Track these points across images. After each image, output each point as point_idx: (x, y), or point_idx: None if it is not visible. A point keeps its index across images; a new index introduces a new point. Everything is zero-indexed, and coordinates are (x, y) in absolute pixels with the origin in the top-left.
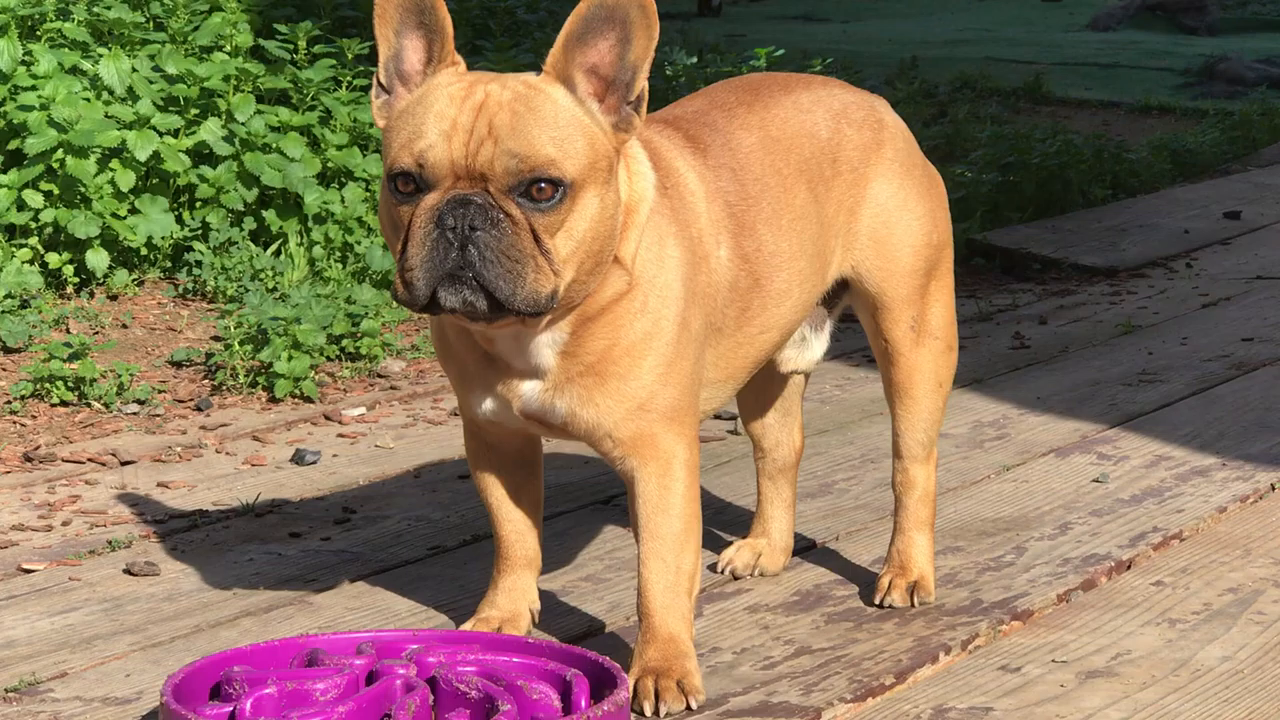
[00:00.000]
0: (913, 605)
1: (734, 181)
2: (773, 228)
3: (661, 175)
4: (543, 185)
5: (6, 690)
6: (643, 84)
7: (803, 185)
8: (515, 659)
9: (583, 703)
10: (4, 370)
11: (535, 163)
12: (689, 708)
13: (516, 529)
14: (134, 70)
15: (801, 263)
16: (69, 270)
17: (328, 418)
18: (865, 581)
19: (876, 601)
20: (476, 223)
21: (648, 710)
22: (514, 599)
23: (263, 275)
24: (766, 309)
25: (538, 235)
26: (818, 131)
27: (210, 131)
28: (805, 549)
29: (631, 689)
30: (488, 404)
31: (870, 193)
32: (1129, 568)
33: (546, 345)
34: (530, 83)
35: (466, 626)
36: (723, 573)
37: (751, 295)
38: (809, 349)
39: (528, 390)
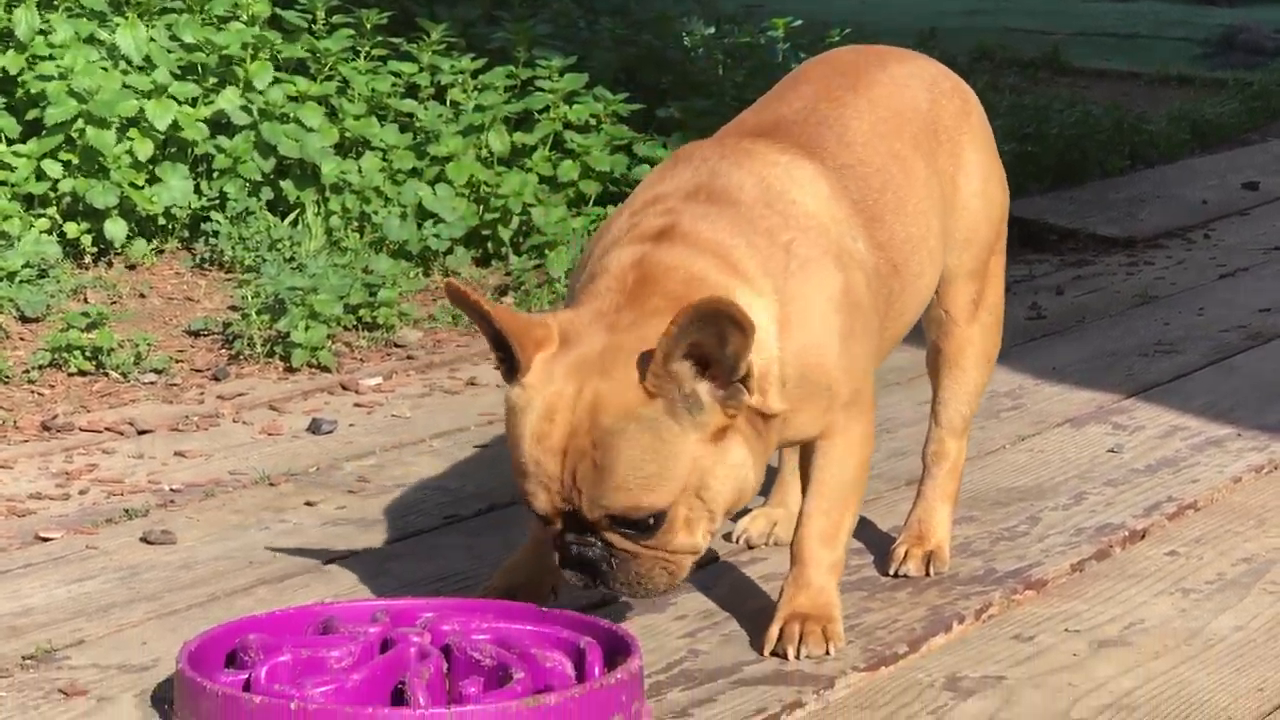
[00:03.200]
0: (928, 574)
1: (855, 178)
2: (900, 215)
3: (775, 219)
4: (633, 523)
5: (24, 657)
6: (745, 368)
7: (920, 163)
8: (529, 627)
9: (596, 670)
10: (22, 340)
11: (618, 510)
12: (827, 652)
13: None
14: (151, 39)
15: (931, 242)
16: (87, 240)
17: (344, 387)
18: (879, 551)
19: (891, 571)
20: (599, 565)
21: (790, 654)
22: (537, 569)
23: (280, 245)
24: (905, 292)
25: (655, 547)
26: (919, 105)
27: (228, 100)
28: None
29: (777, 633)
30: None
31: (963, 161)
32: (1143, 537)
33: None
34: (610, 407)
35: (488, 584)
36: (737, 542)
37: (893, 280)
38: None
39: None
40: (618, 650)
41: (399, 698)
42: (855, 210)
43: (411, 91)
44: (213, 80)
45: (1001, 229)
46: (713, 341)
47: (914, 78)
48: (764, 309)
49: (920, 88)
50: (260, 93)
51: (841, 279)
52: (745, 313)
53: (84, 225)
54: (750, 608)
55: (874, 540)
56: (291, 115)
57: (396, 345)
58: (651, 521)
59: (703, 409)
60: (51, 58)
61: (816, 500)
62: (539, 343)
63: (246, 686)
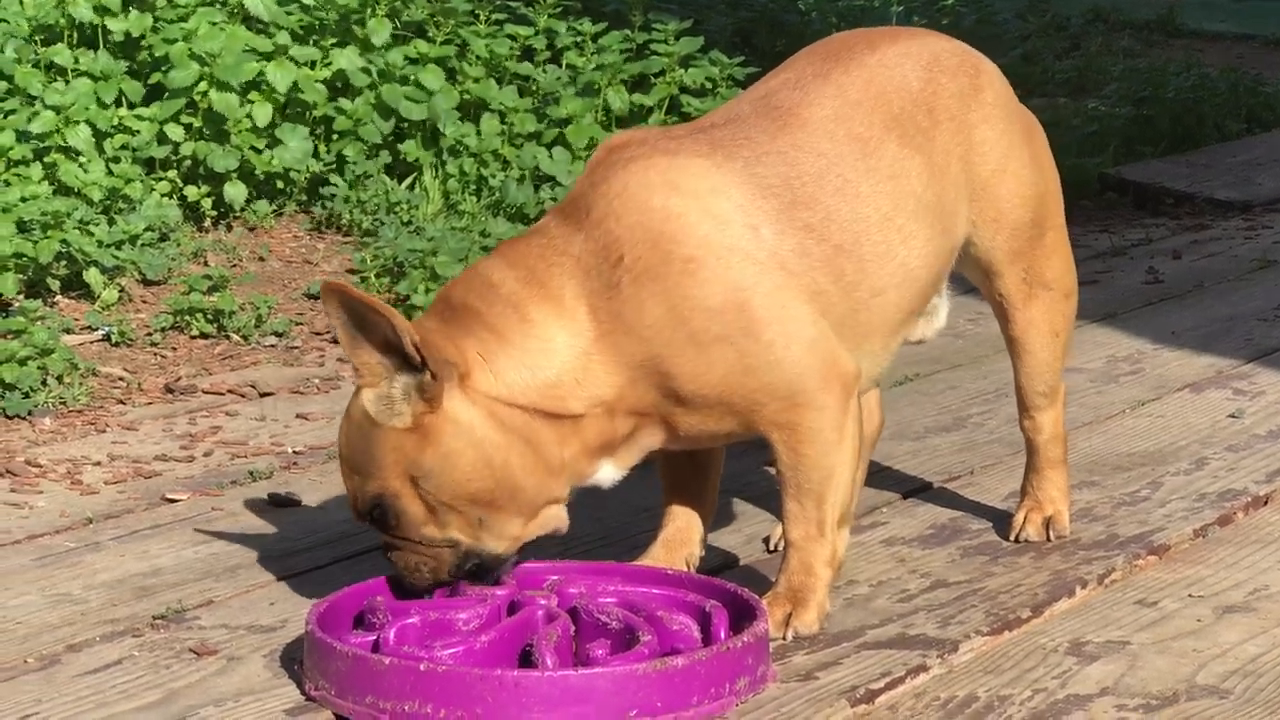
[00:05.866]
0: (1048, 540)
1: (781, 164)
2: (846, 196)
3: (618, 233)
4: (367, 513)
5: (155, 617)
6: (412, 349)
7: (893, 142)
8: (655, 590)
9: (722, 634)
10: (144, 303)
11: (351, 498)
12: (783, 638)
13: (685, 509)
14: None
15: (900, 220)
16: (207, 203)
17: None
18: (1000, 516)
19: (1012, 538)
20: (386, 553)
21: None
22: (668, 559)
23: (398, 208)
24: (867, 271)
25: (407, 539)
26: (907, 84)
27: (348, 59)
28: (945, 481)
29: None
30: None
31: (975, 141)
32: (1266, 503)
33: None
34: (350, 409)
35: None
36: (773, 550)
37: (839, 261)
38: (936, 318)
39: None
40: (743, 614)
41: (526, 659)
42: (765, 195)
43: (528, 55)
44: (331, 40)
45: (1042, 208)
46: (386, 329)
47: (908, 58)
48: (563, 325)
49: (913, 68)
50: (379, 51)
51: (715, 281)
52: (365, 296)
53: (204, 188)
54: (873, 572)
55: (995, 506)
56: (411, 78)
57: None
58: (377, 511)
59: (407, 398)
60: (174, 21)
61: (788, 491)
62: None
63: (375, 648)
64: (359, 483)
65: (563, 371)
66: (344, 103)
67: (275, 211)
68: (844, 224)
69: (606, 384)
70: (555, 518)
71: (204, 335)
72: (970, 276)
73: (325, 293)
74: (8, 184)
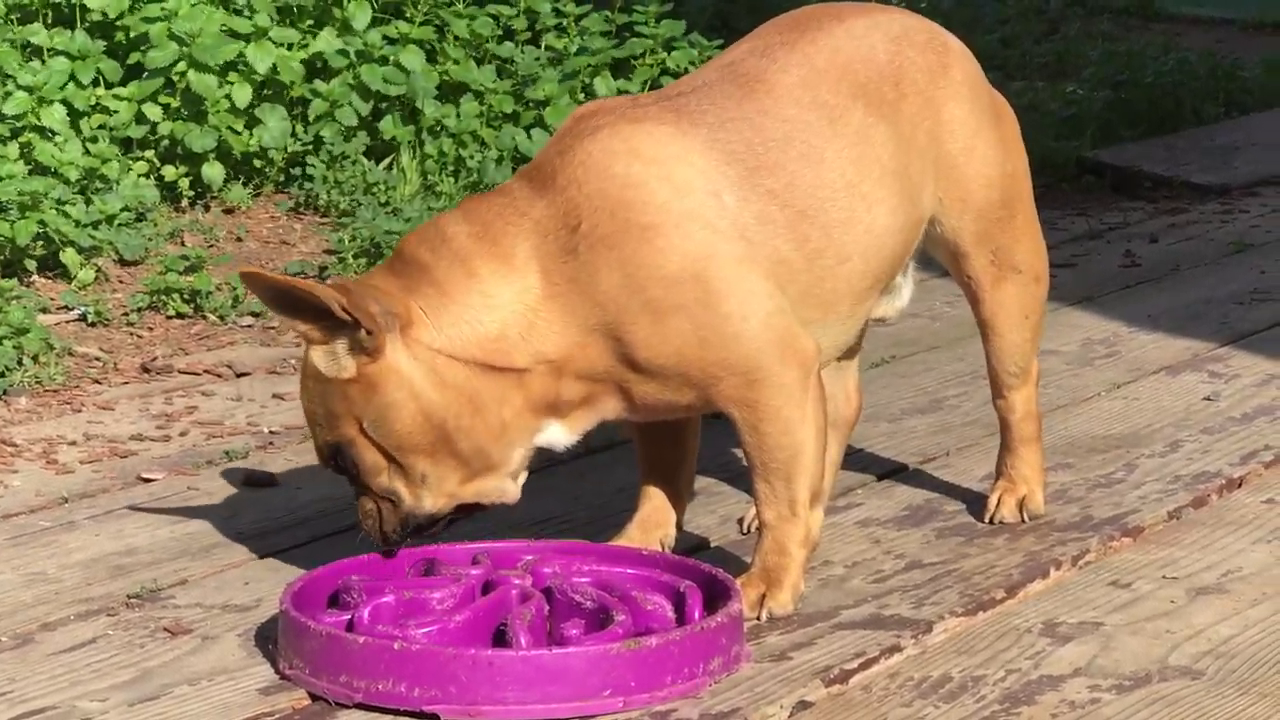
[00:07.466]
0: (1023, 520)
1: (747, 130)
2: (811, 162)
3: (576, 199)
4: (331, 461)
5: (129, 596)
6: (342, 313)
7: (859, 110)
8: (629, 570)
9: (696, 614)
10: (121, 282)
11: (318, 450)
12: (758, 618)
13: (661, 490)
14: None
15: (865, 186)
16: (184, 183)
17: None
18: (976, 497)
19: (987, 519)
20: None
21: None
22: (644, 539)
23: (375, 189)
24: (831, 237)
25: (367, 487)
26: (874, 56)
27: (326, 42)
28: (921, 462)
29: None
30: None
31: (943, 118)
32: (1239, 486)
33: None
34: (304, 366)
35: None
36: (746, 531)
37: (803, 227)
38: (899, 296)
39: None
40: (717, 594)
41: (501, 639)
42: (729, 161)
43: (508, 35)
44: (309, 22)
45: (1011, 189)
46: (313, 302)
47: (875, 30)
48: (510, 283)
49: (880, 40)
50: (358, 35)
51: (673, 249)
52: (284, 278)
53: (182, 169)
54: (847, 552)
55: (970, 487)
56: (391, 58)
57: None
58: (338, 458)
59: (350, 352)
60: (152, 0)
61: (756, 472)
62: None
63: (350, 627)
64: (320, 432)
65: (506, 326)
66: (320, 85)
67: (253, 193)
68: (808, 190)
69: (553, 342)
70: (497, 489)
71: (180, 315)
72: (940, 258)
73: (245, 281)
74: None
